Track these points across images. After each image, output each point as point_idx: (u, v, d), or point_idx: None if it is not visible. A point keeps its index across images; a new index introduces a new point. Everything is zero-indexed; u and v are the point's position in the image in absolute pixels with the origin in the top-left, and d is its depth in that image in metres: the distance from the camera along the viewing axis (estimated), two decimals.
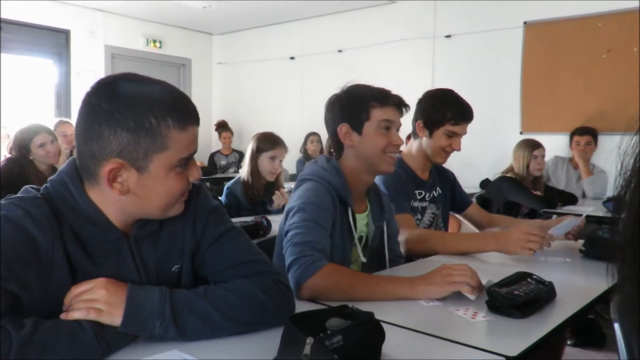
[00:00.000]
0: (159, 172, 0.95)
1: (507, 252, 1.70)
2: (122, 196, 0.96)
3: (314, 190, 1.48)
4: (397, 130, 1.58)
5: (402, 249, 1.83)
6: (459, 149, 2.05)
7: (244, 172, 3.01)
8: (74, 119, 4.69)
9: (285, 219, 1.48)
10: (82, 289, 0.92)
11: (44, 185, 1.00)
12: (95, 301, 0.90)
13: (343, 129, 1.55)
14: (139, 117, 0.91)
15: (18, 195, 0.96)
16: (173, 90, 0.99)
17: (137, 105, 0.92)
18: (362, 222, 1.63)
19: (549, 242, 1.70)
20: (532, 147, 3.50)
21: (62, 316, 0.88)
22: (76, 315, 0.88)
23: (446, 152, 2.06)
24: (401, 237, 1.82)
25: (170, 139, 0.94)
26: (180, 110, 0.96)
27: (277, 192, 2.98)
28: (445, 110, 2.00)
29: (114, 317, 0.89)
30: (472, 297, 1.24)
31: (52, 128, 3.56)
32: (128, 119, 0.91)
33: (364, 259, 1.61)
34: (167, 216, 1.03)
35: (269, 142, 2.97)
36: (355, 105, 1.54)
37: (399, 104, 1.57)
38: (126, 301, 0.91)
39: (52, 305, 0.90)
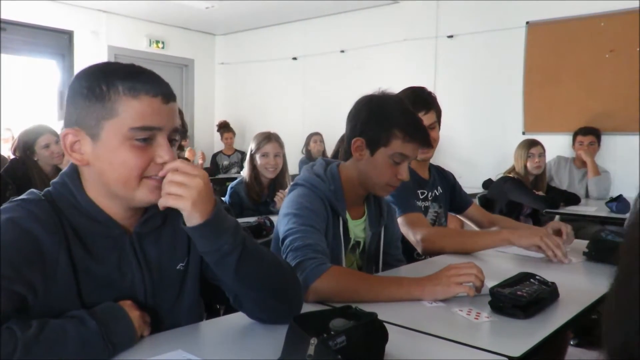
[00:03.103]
0: (111, 141, 0.94)
1: (524, 241, 1.70)
2: (87, 169, 0.97)
3: (305, 196, 1.48)
4: (410, 162, 1.54)
5: (419, 248, 1.84)
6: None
7: (245, 173, 3.06)
8: None
9: (280, 223, 1.48)
10: (178, 165, 0.95)
11: (45, 189, 1.01)
12: (192, 188, 0.92)
13: (357, 142, 1.51)
14: (92, 84, 0.94)
15: (21, 197, 0.97)
16: (136, 66, 0.99)
17: (93, 76, 0.96)
18: (359, 228, 1.62)
19: (563, 250, 1.69)
20: (528, 145, 3.51)
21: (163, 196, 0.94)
22: (170, 202, 0.93)
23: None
24: (417, 236, 1.82)
25: (120, 105, 0.93)
26: (134, 79, 0.95)
27: (278, 193, 3.00)
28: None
29: (204, 212, 0.93)
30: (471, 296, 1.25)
31: (58, 130, 3.58)
32: (83, 87, 0.95)
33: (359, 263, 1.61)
34: (138, 200, 0.97)
35: (259, 140, 3.04)
36: (378, 126, 1.48)
37: (424, 142, 1.51)
38: (215, 205, 0.95)
39: (56, 306, 0.91)
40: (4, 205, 0.94)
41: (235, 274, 0.98)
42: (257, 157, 3.01)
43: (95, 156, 0.95)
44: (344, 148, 1.59)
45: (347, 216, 1.58)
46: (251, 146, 3.06)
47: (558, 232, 1.91)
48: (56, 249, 0.92)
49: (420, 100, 1.99)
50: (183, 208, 0.92)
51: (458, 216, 2.33)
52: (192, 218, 0.93)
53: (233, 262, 0.96)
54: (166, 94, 0.97)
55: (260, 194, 3.03)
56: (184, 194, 0.92)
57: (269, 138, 3.04)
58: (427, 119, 1.99)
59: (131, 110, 0.93)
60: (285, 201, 1.51)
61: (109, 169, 0.95)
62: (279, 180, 3.06)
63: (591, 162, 4.00)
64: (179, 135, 1.02)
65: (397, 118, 1.48)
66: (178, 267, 1.09)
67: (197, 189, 0.92)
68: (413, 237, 1.84)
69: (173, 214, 1.07)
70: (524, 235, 1.71)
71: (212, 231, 0.94)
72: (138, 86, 0.94)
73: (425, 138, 1.52)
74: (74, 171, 1.01)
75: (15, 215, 0.90)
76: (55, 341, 0.81)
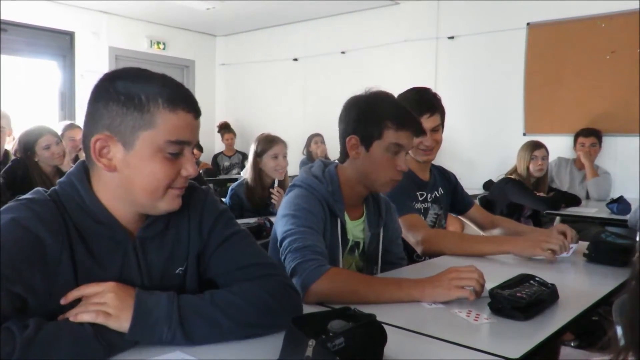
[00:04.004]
0: (144, 151, 0.95)
1: (526, 253, 1.72)
2: (111, 174, 0.97)
3: (303, 197, 1.48)
4: (406, 153, 1.54)
5: (418, 249, 1.83)
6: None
7: (247, 176, 3.03)
8: (77, 121, 4.73)
9: (278, 224, 1.47)
10: (90, 291, 0.92)
11: (52, 188, 1.01)
12: (104, 305, 0.90)
13: (352, 140, 1.52)
14: (131, 92, 0.95)
15: (27, 196, 0.97)
16: (171, 79, 1.01)
17: (132, 84, 0.96)
18: (358, 228, 1.62)
19: (567, 246, 1.70)
20: (532, 148, 3.50)
21: (72, 318, 0.88)
22: (85, 317, 0.88)
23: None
24: (417, 237, 1.82)
25: (158, 118, 0.95)
26: (172, 94, 0.97)
27: (273, 191, 2.99)
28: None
29: (122, 322, 0.89)
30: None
31: (60, 131, 3.58)
32: (120, 94, 0.95)
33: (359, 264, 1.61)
34: (159, 209, 1.01)
35: (267, 142, 3.03)
36: (369, 120, 1.49)
37: (416, 130, 1.53)
38: (134, 307, 0.90)
39: (56, 307, 0.91)
40: (9, 204, 0.94)
41: (191, 344, 0.94)
42: (265, 158, 2.99)
43: (126, 164, 0.96)
44: (340, 150, 1.59)
45: (346, 217, 1.58)
46: (255, 149, 3.03)
47: (563, 235, 1.91)
48: (59, 250, 0.92)
49: (425, 102, 1.99)
50: (106, 324, 0.89)
51: (459, 217, 2.32)
52: (120, 327, 0.90)
53: (181, 340, 0.93)
54: (197, 111, 1.01)
55: (262, 197, 3.02)
56: (103, 310, 0.90)
57: (276, 140, 3.04)
58: (431, 121, 1.99)
59: (169, 123, 0.96)
60: (283, 202, 1.52)
61: (138, 178, 0.97)
62: (280, 182, 3.06)
63: (588, 164, 4.00)
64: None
65: (387, 109, 1.50)
66: (177, 272, 1.09)
67: (111, 303, 0.90)
68: (413, 238, 1.84)
69: (175, 218, 1.07)
70: (525, 248, 1.72)
71: (141, 332, 0.91)
72: (177, 101, 0.97)
73: (417, 126, 1.53)
74: (82, 171, 1.01)
75: (19, 215, 0.90)
76: (51, 341, 0.81)
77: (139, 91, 0.95)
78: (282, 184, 3.04)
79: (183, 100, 0.98)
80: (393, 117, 1.48)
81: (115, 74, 0.99)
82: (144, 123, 0.94)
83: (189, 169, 1.00)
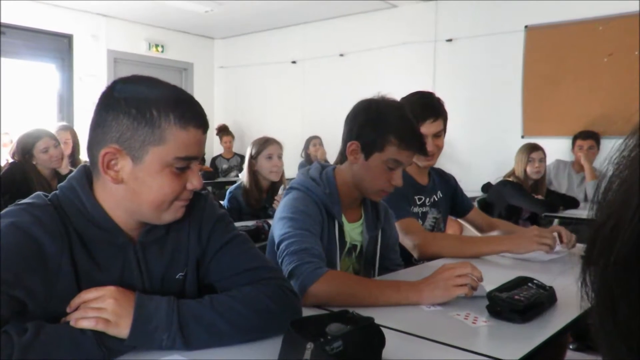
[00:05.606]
0: (153, 166, 0.95)
1: (522, 250, 1.75)
2: (117, 186, 0.97)
3: (300, 200, 1.48)
4: (404, 168, 1.54)
5: (415, 253, 1.84)
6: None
7: (244, 180, 3.03)
8: (76, 124, 4.70)
9: (275, 227, 1.47)
10: (91, 296, 0.91)
11: (52, 192, 1.01)
12: (104, 311, 0.89)
13: (353, 145, 1.51)
14: (142, 106, 0.94)
15: (28, 201, 0.96)
16: (182, 92, 1.02)
17: (143, 97, 0.95)
18: (356, 231, 1.62)
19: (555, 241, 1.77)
20: (529, 150, 3.50)
21: (72, 323, 0.88)
22: (84, 324, 0.87)
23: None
24: (413, 241, 1.82)
25: (169, 134, 0.95)
26: (184, 109, 0.97)
27: (277, 198, 2.99)
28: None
29: (122, 329, 0.89)
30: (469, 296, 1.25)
31: (57, 133, 3.57)
32: (131, 107, 0.94)
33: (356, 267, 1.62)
34: (163, 220, 1.01)
35: (261, 143, 3.04)
36: (374, 131, 1.47)
37: (419, 151, 1.52)
38: (134, 313, 0.90)
39: (56, 311, 0.91)
40: (9, 208, 0.94)
41: (191, 349, 0.94)
42: (260, 160, 2.99)
43: (133, 177, 0.96)
44: (341, 151, 1.59)
45: (343, 219, 1.58)
46: (250, 152, 3.04)
47: (559, 236, 1.93)
48: (59, 255, 0.92)
49: (430, 107, 1.99)
50: (105, 331, 0.89)
51: (458, 220, 2.33)
52: (119, 334, 0.90)
53: (180, 346, 0.93)
54: (206, 126, 1.02)
55: (259, 200, 3.02)
56: (103, 317, 0.90)
57: (270, 140, 3.05)
58: (435, 126, 1.99)
59: (179, 140, 0.96)
60: (281, 205, 1.52)
61: (145, 191, 0.97)
62: (277, 185, 3.06)
63: (588, 166, 4.00)
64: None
65: (394, 125, 1.47)
66: (177, 277, 1.09)
67: (110, 309, 0.90)
68: (409, 242, 1.84)
69: (176, 224, 1.07)
70: (522, 245, 1.75)
71: (141, 339, 0.91)
72: (188, 117, 0.97)
73: (421, 146, 1.52)
74: (84, 176, 1.01)
75: (19, 220, 0.90)
76: (50, 345, 0.82)
77: (151, 105, 0.94)
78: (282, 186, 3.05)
79: (194, 116, 0.98)
80: (399, 134, 1.46)
81: (125, 84, 0.97)
82: (155, 139, 0.94)
83: (194, 183, 1.01)
